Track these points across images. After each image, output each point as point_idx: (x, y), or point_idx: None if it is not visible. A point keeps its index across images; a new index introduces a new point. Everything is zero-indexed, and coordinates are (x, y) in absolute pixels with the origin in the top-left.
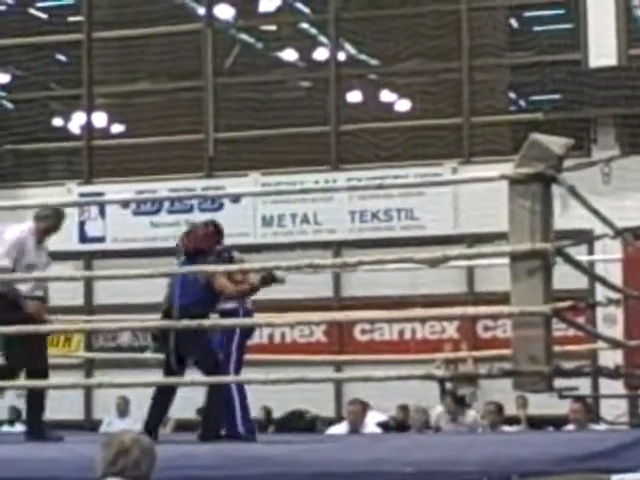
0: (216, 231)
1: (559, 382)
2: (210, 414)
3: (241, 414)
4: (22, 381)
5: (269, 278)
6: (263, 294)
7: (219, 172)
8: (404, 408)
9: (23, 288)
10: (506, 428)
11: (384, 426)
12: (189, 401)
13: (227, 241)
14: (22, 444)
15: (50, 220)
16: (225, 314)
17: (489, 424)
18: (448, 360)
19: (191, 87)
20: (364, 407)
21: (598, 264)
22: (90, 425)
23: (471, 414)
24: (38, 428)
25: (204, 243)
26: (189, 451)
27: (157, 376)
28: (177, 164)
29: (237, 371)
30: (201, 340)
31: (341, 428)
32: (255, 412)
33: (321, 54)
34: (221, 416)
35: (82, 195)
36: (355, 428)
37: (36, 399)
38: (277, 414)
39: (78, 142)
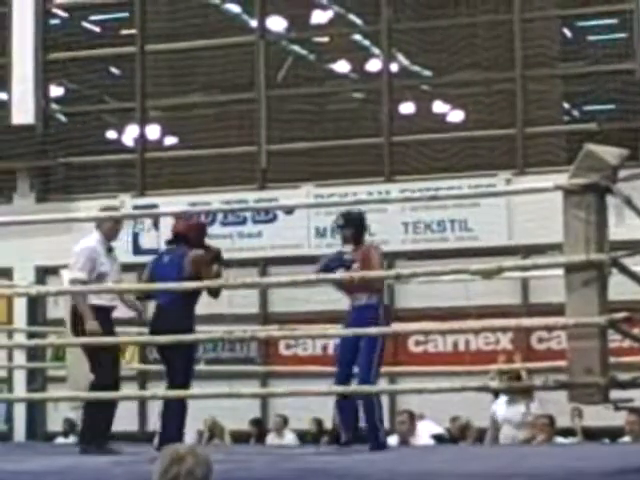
0: (202, 227)
1: (615, 394)
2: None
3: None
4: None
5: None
6: (318, 305)
7: (272, 184)
8: (455, 420)
9: (97, 301)
10: (560, 440)
11: (438, 438)
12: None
13: (281, 252)
14: (74, 455)
15: (108, 222)
16: (362, 309)
17: (543, 435)
18: (502, 371)
19: (243, 99)
20: (413, 418)
21: None
22: (144, 437)
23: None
24: (91, 441)
25: (189, 232)
26: (245, 463)
27: (211, 387)
28: (230, 176)
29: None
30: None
31: (391, 440)
32: (306, 424)
33: (374, 65)
34: (175, 428)
35: (135, 207)
36: (405, 439)
37: (93, 412)
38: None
39: (131, 155)
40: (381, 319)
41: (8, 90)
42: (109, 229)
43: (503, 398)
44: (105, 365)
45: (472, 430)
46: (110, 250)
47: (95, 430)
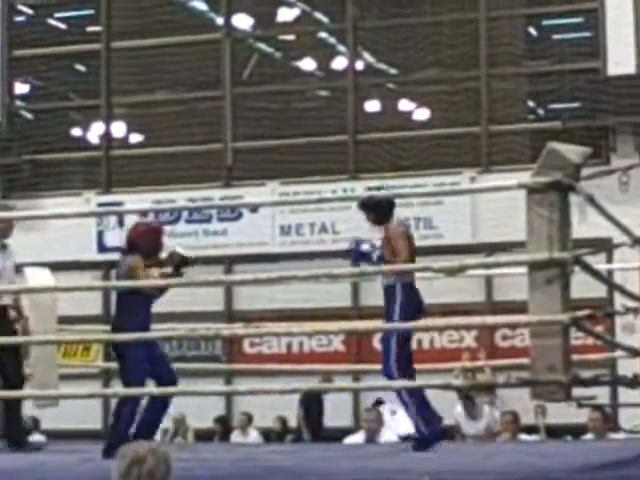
0: (153, 232)
1: (577, 391)
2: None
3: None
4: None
5: (177, 258)
6: (282, 303)
7: (237, 181)
8: None
9: None
10: (524, 437)
11: (405, 438)
12: (206, 410)
13: (246, 250)
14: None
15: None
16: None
17: (507, 434)
18: (466, 369)
19: (209, 97)
20: (379, 416)
21: (616, 273)
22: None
23: (486, 411)
24: (19, 437)
25: (139, 238)
26: (206, 461)
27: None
28: (195, 174)
29: (403, 369)
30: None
31: (358, 437)
32: (270, 422)
33: (339, 63)
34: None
35: (100, 205)
36: (372, 437)
37: (13, 409)
38: (294, 424)
39: (97, 152)
40: (399, 301)
41: None
42: (2, 227)
43: (460, 410)
44: (10, 365)
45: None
46: (4, 247)
47: (20, 429)
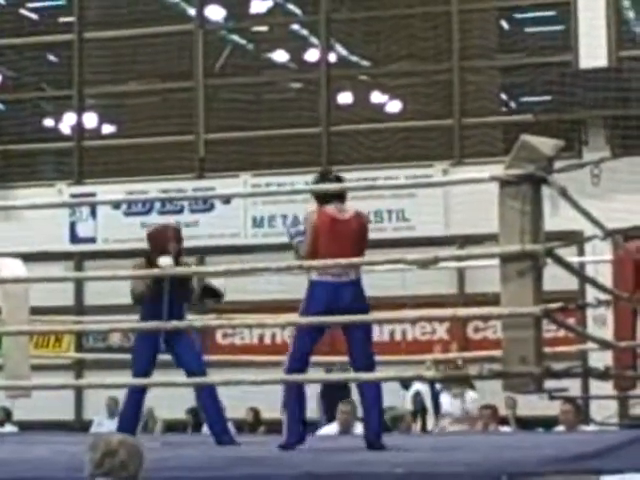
0: (156, 234)
1: (549, 383)
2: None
3: None
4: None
5: (209, 292)
6: (254, 295)
7: (210, 173)
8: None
9: None
10: (503, 429)
11: None
12: (178, 401)
13: (218, 242)
14: (10, 444)
15: None
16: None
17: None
18: (438, 361)
19: (182, 88)
20: (354, 408)
21: (588, 265)
22: (80, 425)
23: (472, 396)
24: None
25: (148, 240)
26: (177, 452)
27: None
28: (168, 165)
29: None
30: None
31: (332, 429)
32: (242, 413)
33: (312, 55)
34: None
35: (73, 196)
36: (346, 429)
37: None
38: (266, 415)
39: (69, 143)
40: (307, 297)
41: None
42: None
43: (447, 393)
44: None
45: (406, 421)
46: None
47: None
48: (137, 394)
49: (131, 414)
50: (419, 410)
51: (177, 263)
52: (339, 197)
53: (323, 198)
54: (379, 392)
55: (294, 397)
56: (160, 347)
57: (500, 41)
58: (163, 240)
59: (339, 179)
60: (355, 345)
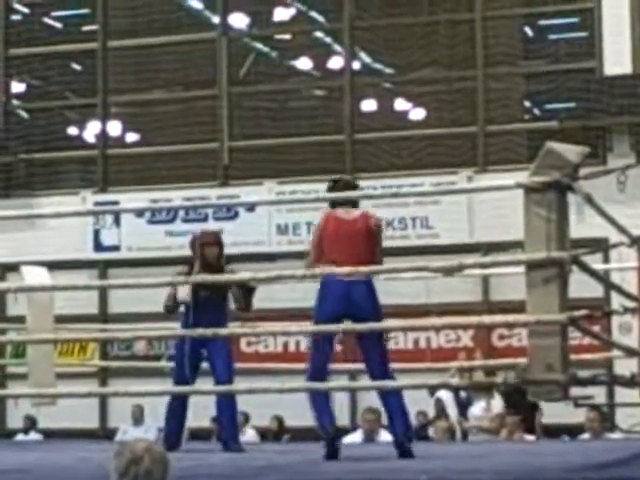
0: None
1: (575, 391)
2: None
3: None
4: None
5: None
6: (278, 303)
7: (234, 181)
8: (424, 414)
9: None
10: (528, 437)
11: None
12: (203, 409)
13: (243, 249)
14: (35, 452)
15: None
16: None
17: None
18: (463, 369)
19: (206, 96)
20: (379, 416)
21: (614, 272)
22: (105, 433)
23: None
24: None
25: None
26: (205, 460)
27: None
28: (192, 173)
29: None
30: None
31: (356, 437)
32: (267, 421)
33: (336, 63)
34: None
35: (97, 204)
36: (370, 437)
37: None
38: (290, 423)
39: (93, 151)
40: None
41: None
42: None
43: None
44: None
45: (438, 427)
46: None
47: None
48: (176, 402)
49: (173, 424)
50: (440, 415)
51: (218, 268)
52: (351, 202)
53: (334, 203)
54: (400, 399)
55: (319, 400)
56: (201, 355)
57: (524, 48)
58: (202, 246)
59: (351, 185)
60: (368, 349)
